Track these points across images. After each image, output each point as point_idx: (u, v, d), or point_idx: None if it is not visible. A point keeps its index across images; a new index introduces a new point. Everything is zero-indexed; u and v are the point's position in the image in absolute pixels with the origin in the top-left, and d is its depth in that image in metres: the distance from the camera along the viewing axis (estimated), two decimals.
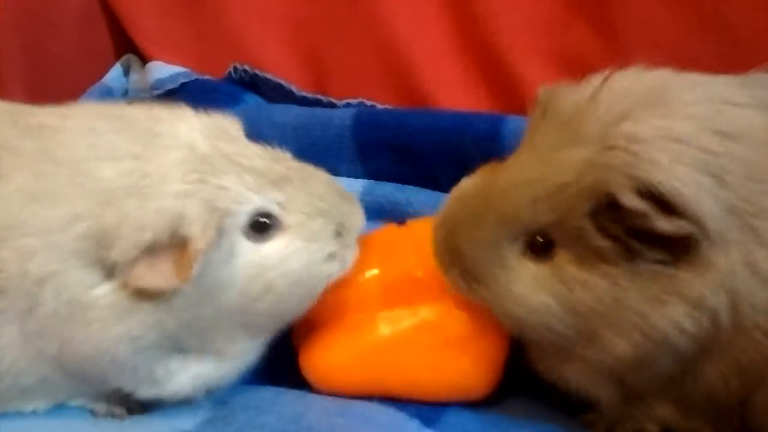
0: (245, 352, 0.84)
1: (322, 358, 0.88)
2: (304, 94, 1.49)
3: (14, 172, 0.77)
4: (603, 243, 0.73)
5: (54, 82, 1.45)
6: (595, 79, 0.79)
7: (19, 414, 0.84)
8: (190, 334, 0.79)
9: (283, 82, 1.50)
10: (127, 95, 1.53)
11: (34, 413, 0.84)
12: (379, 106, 1.43)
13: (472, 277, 0.82)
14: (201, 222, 0.73)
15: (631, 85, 0.78)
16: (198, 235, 0.73)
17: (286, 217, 0.80)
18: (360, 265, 0.88)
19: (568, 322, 0.77)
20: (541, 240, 0.78)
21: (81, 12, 1.57)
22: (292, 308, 0.83)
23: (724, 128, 0.74)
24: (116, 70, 1.63)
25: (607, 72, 0.79)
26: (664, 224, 0.70)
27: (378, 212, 1.23)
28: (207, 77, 1.54)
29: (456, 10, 1.42)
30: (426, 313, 0.87)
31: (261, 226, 0.79)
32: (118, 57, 1.65)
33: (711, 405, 0.78)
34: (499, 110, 1.33)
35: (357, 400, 0.86)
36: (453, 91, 1.42)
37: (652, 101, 0.76)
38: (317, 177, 0.85)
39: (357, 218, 0.86)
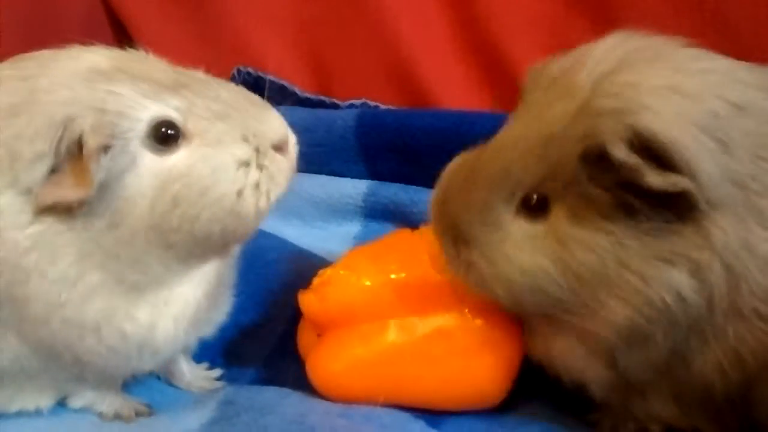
0: (198, 278, 0.81)
1: (330, 366, 0.86)
2: (307, 95, 1.49)
3: None
4: (597, 194, 0.70)
5: None
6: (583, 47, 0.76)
7: (24, 414, 0.84)
8: (123, 265, 0.75)
9: (286, 84, 1.50)
10: None
11: (38, 414, 0.85)
12: (383, 107, 1.43)
13: (463, 241, 0.78)
14: (90, 123, 0.71)
15: (626, 41, 0.75)
16: (89, 136, 0.71)
17: (189, 125, 0.76)
18: (372, 270, 0.87)
19: (566, 285, 0.72)
20: (536, 198, 0.74)
21: (84, 16, 1.58)
22: (210, 224, 0.76)
23: (737, 100, 0.70)
24: None
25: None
26: (655, 179, 0.66)
27: (382, 213, 1.24)
28: None
29: (458, 11, 1.42)
30: (440, 321, 0.85)
31: (165, 138, 0.75)
32: None
33: (709, 400, 0.75)
34: (502, 110, 1.33)
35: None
36: (456, 91, 1.42)
37: (656, 57, 0.73)
38: (223, 85, 0.80)
39: (273, 124, 0.79)
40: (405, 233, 0.93)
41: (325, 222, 1.27)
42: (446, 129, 1.21)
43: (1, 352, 0.79)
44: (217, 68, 1.53)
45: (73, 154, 0.71)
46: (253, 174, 0.77)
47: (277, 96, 1.50)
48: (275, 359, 0.93)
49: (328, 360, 0.87)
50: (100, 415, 0.86)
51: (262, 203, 0.77)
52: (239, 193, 0.76)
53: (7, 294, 0.75)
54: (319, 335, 0.88)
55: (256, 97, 0.80)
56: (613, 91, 0.70)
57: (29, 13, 1.43)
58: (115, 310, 0.77)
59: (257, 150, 0.77)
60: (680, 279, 0.69)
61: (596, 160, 0.69)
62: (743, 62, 0.76)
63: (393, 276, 0.86)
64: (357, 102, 1.45)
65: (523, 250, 0.74)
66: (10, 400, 0.84)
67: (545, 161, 0.73)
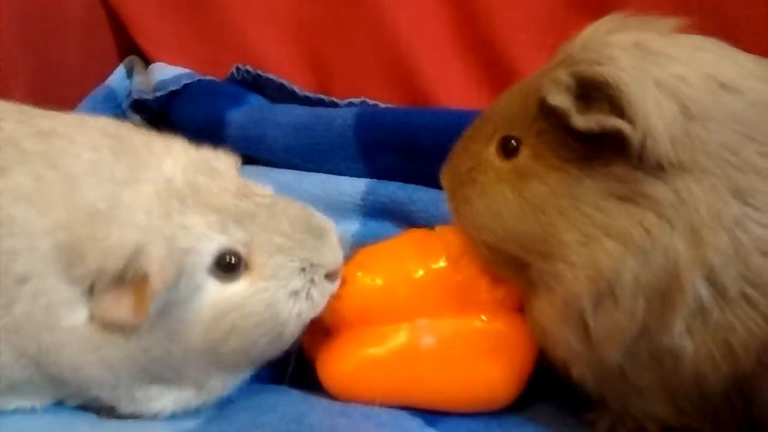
0: (225, 383, 0.84)
1: (342, 366, 0.86)
2: (306, 94, 1.49)
3: (15, 170, 0.78)
4: (551, 136, 0.75)
5: (57, 85, 1.45)
6: None
7: (21, 411, 0.84)
8: (165, 368, 0.80)
9: (285, 83, 1.50)
10: (130, 97, 1.53)
11: (35, 410, 0.85)
12: (381, 105, 1.43)
13: (459, 180, 0.84)
14: (160, 260, 0.74)
15: (626, 18, 0.79)
16: (156, 273, 0.73)
17: (251, 257, 0.80)
18: (388, 271, 0.87)
19: (524, 217, 0.76)
20: (514, 143, 0.79)
21: (84, 15, 1.57)
22: (263, 348, 0.82)
23: (722, 79, 0.71)
24: (119, 72, 1.63)
25: None
26: (580, 120, 0.70)
27: (381, 211, 1.23)
28: (210, 78, 1.54)
29: (457, 8, 1.42)
30: (456, 324, 0.85)
31: (228, 266, 0.79)
32: (121, 59, 1.65)
33: (704, 398, 0.74)
34: None
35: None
36: (455, 89, 1.42)
37: (653, 28, 0.76)
38: (287, 213, 0.83)
39: (328, 254, 0.83)
40: (420, 232, 0.93)
41: None
42: (445, 127, 1.21)
43: (12, 370, 0.80)
44: (216, 66, 1.56)
45: (137, 280, 0.74)
46: (301, 304, 0.81)
47: (276, 94, 1.50)
48: (274, 358, 0.93)
49: (340, 360, 0.86)
50: (98, 412, 0.86)
51: (300, 326, 0.83)
52: (285, 321, 0.81)
53: (34, 337, 0.77)
54: (328, 334, 0.88)
55: (316, 224, 0.84)
56: (592, 46, 0.74)
57: (29, 13, 1.43)
58: (135, 385, 0.81)
59: (312, 281, 0.82)
60: (645, 215, 0.70)
61: (543, 105, 0.74)
62: (756, 56, 0.77)
63: (409, 277, 0.86)
64: (356, 100, 1.45)
65: (493, 184, 0.80)
66: (9, 402, 0.85)
67: (518, 104, 0.79)
